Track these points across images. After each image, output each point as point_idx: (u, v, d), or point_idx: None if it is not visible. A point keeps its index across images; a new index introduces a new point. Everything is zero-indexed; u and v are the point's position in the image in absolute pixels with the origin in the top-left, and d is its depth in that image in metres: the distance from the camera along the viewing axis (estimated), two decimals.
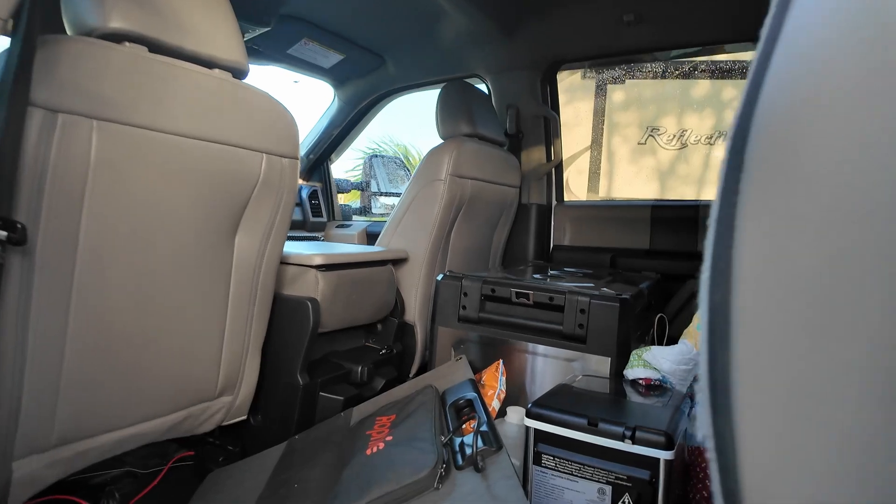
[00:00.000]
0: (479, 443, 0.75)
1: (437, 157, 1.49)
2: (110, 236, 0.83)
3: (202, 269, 1.00)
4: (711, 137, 4.89)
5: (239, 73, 1.00)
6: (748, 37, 1.59)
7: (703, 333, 0.30)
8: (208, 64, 0.94)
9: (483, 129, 1.63)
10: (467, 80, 1.76)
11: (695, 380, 1.03)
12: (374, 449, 0.81)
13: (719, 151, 4.85)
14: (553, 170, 1.99)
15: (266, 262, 1.11)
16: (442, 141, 1.57)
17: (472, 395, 0.94)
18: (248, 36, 1.67)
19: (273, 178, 1.05)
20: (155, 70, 0.84)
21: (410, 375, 1.49)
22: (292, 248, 1.31)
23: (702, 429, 0.33)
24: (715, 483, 0.29)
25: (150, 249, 0.90)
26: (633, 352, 1.06)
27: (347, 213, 2.52)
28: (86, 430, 0.86)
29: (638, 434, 0.78)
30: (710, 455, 0.29)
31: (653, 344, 1.23)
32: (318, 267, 1.20)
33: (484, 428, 0.80)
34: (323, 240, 2.19)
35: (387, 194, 2.59)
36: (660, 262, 1.73)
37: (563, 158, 2.04)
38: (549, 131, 1.93)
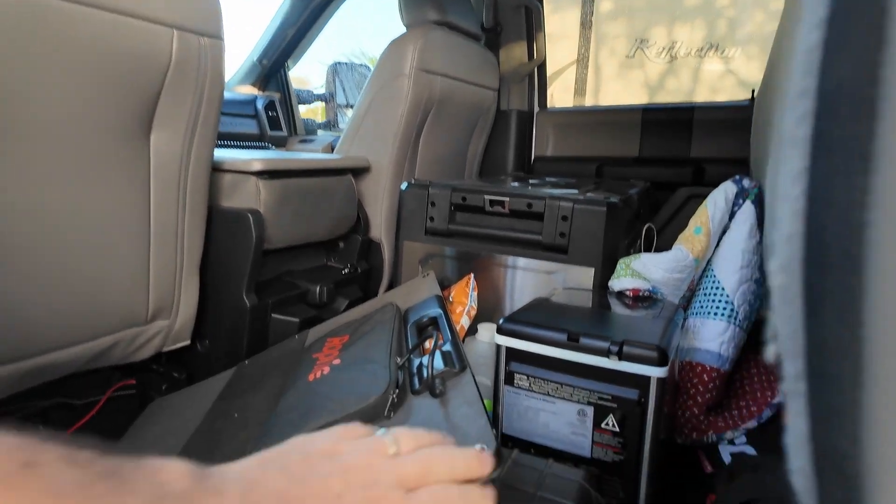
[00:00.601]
0: (439, 363, 0.63)
1: (399, 48, 1.28)
2: None
3: (109, 173, 0.83)
4: (702, 50, 4.62)
5: None
6: None
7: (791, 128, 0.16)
8: None
9: (455, 17, 1.42)
10: None
11: (688, 290, 0.92)
12: (318, 374, 0.70)
13: (709, 65, 4.60)
14: (535, 71, 1.79)
15: (193, 167, 0.94)
16: (405, 31, 1.36)
17: (436, 311, 0.82)
18: None
19: (189, 62, 0.85)
20: None
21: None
22: (233, 154, 1.14)
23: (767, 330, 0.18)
24: (796, 432, 0.15)
25: (31, 145, 0.72)
26: (621, 260, 0.94)
27: (311, 128, 2.31)
28: None
29: (626, 349, 0.67)
30: (787, 384, 0.15)
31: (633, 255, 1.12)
32: (259, 174, 1.03)
33: (446, 347, 0.68)
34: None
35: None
36: (650, 170, 1.59)
37: (549, 74, 1.83)
38: (532, 24, 1.71)
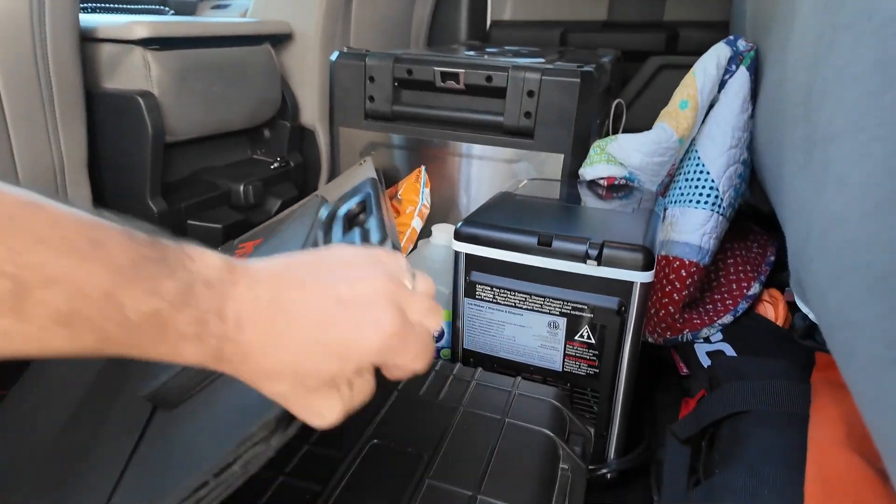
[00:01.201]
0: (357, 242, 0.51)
1: None
2: None
3: None
4: None
5: None
6: None
7: None
8: None
9: None
10: None
11: (668, 175, 0.82)
12: None
13: None
14: None
15: (53, 35, 0.72)
16: None
17: (366, 192, 0.68)
18: None
19: None
20: None
21: None
22: (110, 18, 0.89)
23: None
24: None
25: None
26: (595, 144, 0.81)
27: None
28: None
29: (606, 252, 0.57)
30: None
31: (607, 136, 0.99)
32: (146, 43, 0.80)
33: (368, 224, 0.54)
34: None
35: None
36: (619, 37, 1.42)
37: None
38: None
